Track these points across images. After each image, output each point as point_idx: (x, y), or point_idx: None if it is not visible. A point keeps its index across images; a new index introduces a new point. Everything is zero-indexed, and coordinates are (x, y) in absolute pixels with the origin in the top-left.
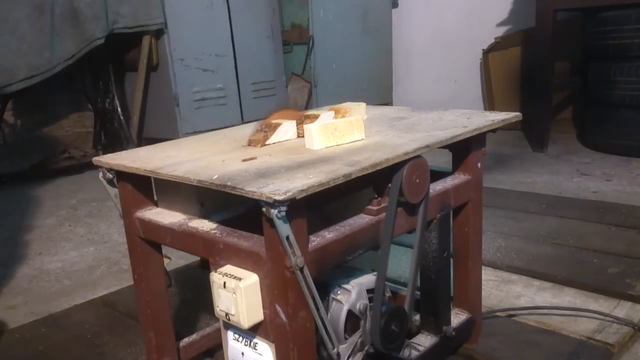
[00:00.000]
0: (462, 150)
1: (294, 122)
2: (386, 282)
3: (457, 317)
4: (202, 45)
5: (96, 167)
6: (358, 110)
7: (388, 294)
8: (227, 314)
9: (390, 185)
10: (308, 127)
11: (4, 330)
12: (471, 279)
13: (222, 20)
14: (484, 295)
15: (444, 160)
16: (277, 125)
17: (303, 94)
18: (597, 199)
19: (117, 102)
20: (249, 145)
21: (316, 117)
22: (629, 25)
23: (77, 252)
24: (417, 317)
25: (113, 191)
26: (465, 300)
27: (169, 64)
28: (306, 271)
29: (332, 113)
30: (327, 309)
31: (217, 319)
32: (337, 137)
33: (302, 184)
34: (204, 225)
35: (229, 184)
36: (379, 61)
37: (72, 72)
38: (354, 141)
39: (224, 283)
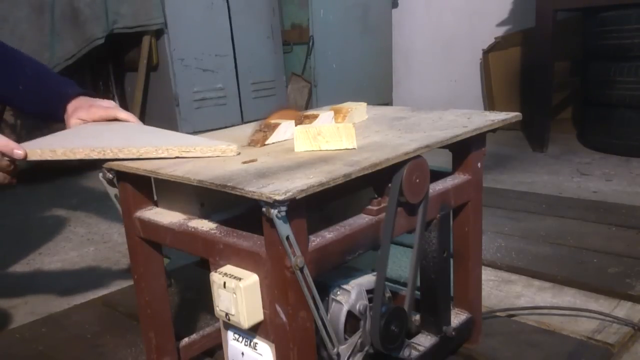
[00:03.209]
0: (462, 150)
1: (292, 122)
2: (386, 282)
3: (457, 317)
4: (202, 45)
5: (96, 167)
6: (359, 110)
7: (388, 294)
8: (227, 314)
9: (390, 185)
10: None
11: (8, 322)
12: (471, 279)
13: (222, 20)
14: (484, 295)
15: (444, 160)
16: (276, 125)
17: (303, 94)
18: (597, 199)
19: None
20: (249, 145)
21: (315, 117)
22: (629, 25)
23: (77, 252)
24: (417, 317)
25: (113, 191)
26: (465, 300)
27: (169, 64)
28: (306, 271)
29: (331, 113)
30: (326, 309)
31: (217, 319)
32: (321, 142)
33: (302, 184)
34: (204, 225)
35: (229, 184)
36: (379, 61)
37: (72, 72)
38: (342, 149)
39: (224, 283)
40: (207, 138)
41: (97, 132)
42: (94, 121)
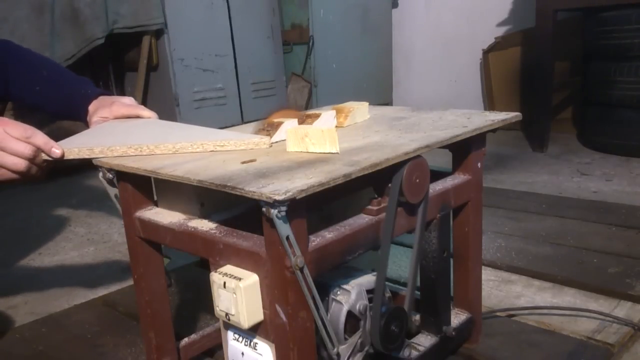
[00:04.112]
0: (462, 150)
1: (295, 121)
2: (386, 282)
3: (457, 317)
4: (202, 45)
5: (96, 167)
6: (361, 110)
7: (388, 294)
8: (227, 314)
9: (390, 185)
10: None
11: (9, 327)
12: (471, 279)
13: (222, 20)
14: (484, 295)
15: (444, 160)
16: (280, 124)
17: (303, 94)
18: (597, 199)
19: None
20: None
21: (317, 116)
22: (629, 25)
23: (77, 252)
24: (417, 317)
25: (113, 191)
26: (465, 300)
27: (169, 64)
28: (306, 271)
29: (333, 112)
30: (326, 309)
31: (217, 319)
32: (308, 144)
33: (302, 184)
34: (204, 225)
35: (229, 184)
36: (379, 61)
37: None
38: (326, 153)
39: (224, 283)
40: (235, 132)
41: (124, 129)
42: (116, 118)
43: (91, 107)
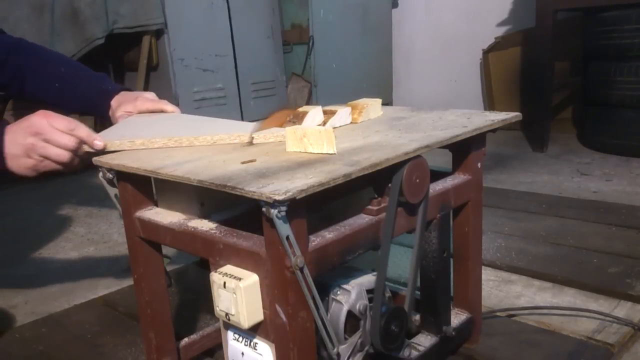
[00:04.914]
0: (462, 150)
1: (320, 110)
2: (386, 282)
3: (457, 317)
4: (202, 45)
5: (96, 167)
6: (374, 106)
7: (388, 294)
8: (227, 314)
9: (390, 185)
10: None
11: (9, 327)
12: (471, 279)
13: (222, 20)
14: (484, 295)
15: (444, 160)
16: (304, 114)
17: (303, 94)
18: (597, 199)
19: None
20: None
21: (333, 113)
22: (629, 25)
23: (77, 252)
24: (417, 317)
25: (113, 191)
26: (465, 300)
27: (169, 64)
28: (306, 271)
29: (349, 109)
30: (326, 309)
31: (217, 319)
32: (306, 145)
33: (302, 184)
34: (204, 225)
35: (229, 184)
36: (379, 61)
37: None
38: (324, 153)
39: (224, 283)
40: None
41: (153, 123)
42: (140, 112)
43: (114, 102)
